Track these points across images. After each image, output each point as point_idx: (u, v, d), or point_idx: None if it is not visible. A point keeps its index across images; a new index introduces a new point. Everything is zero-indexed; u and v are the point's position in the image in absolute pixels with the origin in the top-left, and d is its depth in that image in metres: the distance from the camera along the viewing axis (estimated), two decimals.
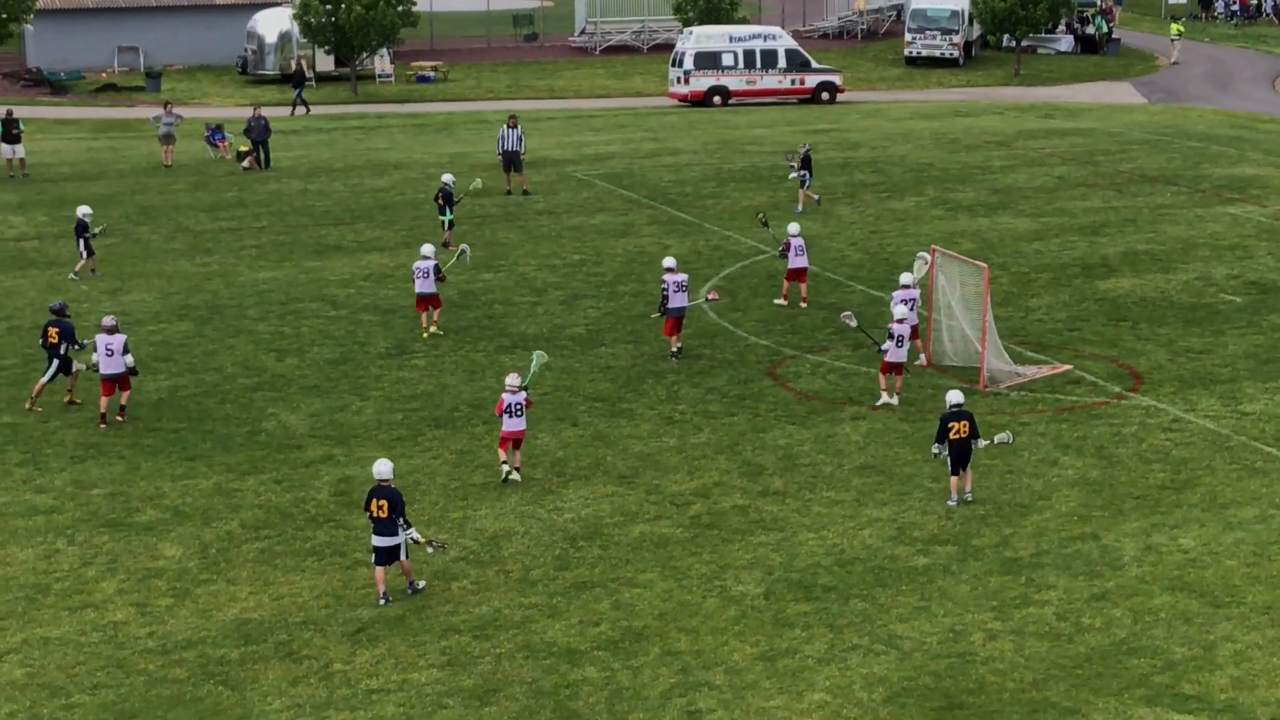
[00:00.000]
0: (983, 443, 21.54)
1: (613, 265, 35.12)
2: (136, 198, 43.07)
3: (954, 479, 21.52)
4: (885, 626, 18.11)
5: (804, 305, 31.28)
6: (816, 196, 40.83)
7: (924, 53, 74.12)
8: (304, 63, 66.93)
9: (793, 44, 67.05)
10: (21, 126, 46.70)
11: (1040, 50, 78.09)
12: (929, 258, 28.41)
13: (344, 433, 24.53)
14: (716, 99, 64.85)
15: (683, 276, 28.12)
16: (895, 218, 40.07)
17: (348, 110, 63.86)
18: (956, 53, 73.97)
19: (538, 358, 23.43)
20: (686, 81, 64.97)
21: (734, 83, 65.17)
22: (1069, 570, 19.53)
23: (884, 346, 25.27)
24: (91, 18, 71.86)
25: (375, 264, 35.22)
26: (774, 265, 32.94)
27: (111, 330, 24.65)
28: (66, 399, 25.63)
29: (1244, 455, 23.42)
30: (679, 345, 28.15)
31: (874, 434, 24.31)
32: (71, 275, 33.81)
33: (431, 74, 71.43)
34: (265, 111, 49.10)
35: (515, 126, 43.26)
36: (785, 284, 31.66)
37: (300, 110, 61.67)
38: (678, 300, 27.86)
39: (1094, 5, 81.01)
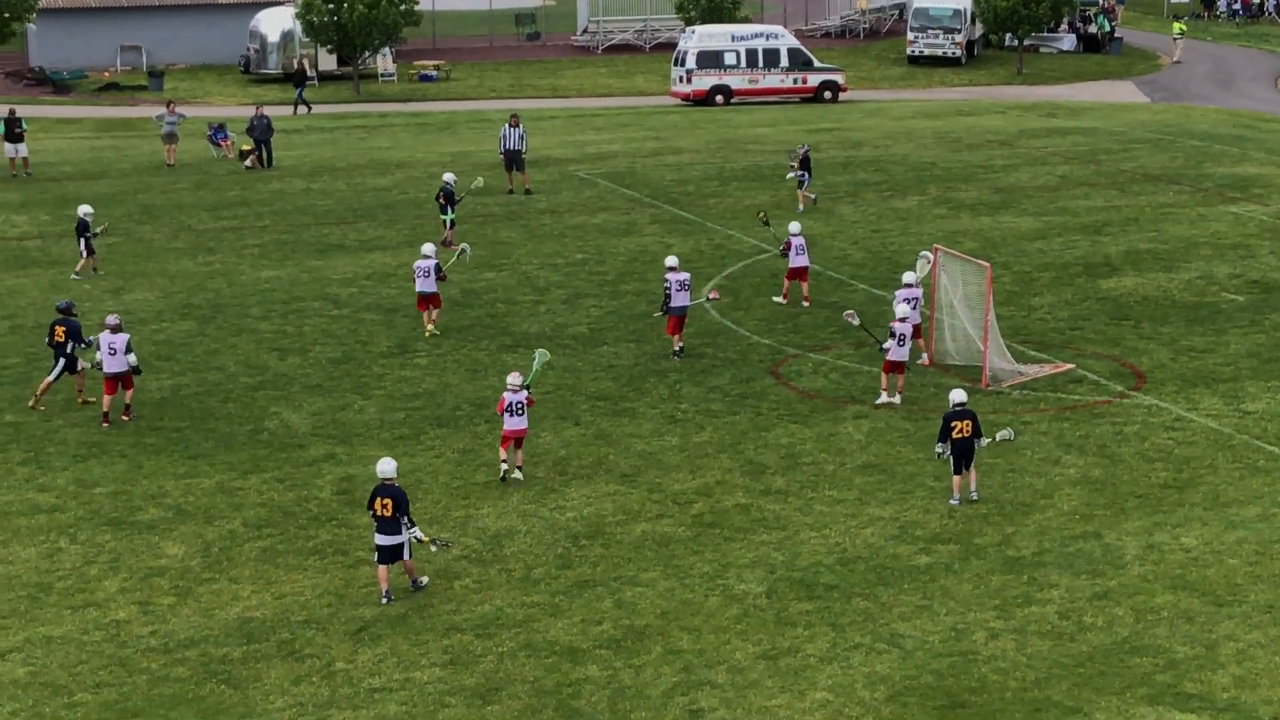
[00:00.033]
0: (985, 441, 21.53)
1: (615, 264, 35.12)
2: (139, 197, 43.09)
3: (956, 478, 21.52)
4: (887, 625, 18.12)
5: (806, 304, 31.28)
6: (813, 196, 40.79)
7: (926, 52, 74.10)
8: (305, 62, 66.99)
9: (795, 43, 67.06)
10: (24, 126, 46.74)
11: (1043, 49, 78.06)
12: (931, 257, 28.41)
13: (346, 432, 24.54)
14: (719, 98, 64.85)
15: (685, 275, 28.12)
16: (897, 217, 40.06)
17: (350, 109, 63.89)
18: (959, 52, 73.94)
19: (540, 356, 23.44)
20: (689, 80, 64.98)
21: (736, 82, 65.17)
22: (1071, 569, 19.53)
23: (885, 345, 25.28)
24: (94, 17, 71.88)
25: (377, 263, 35.23)
26: (776, 264, 32.93)
27: (115, 329, 24.68)
28: (79, 399, 25.64)
29: (1246, 454, 23.41)
30: (681, 344, 28.15)
31: (876, 433, 24.31)
32: (73, 275, 33.83)
33: (434, 73, 71.45)
34: (268, 111, 49.11)
35: (517, 126, 43.25)
36: (786, 283, 31.66)
37: (302, 110, 61.70)
38: (680, 299, 27.86)
39: (1096, 4, 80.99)
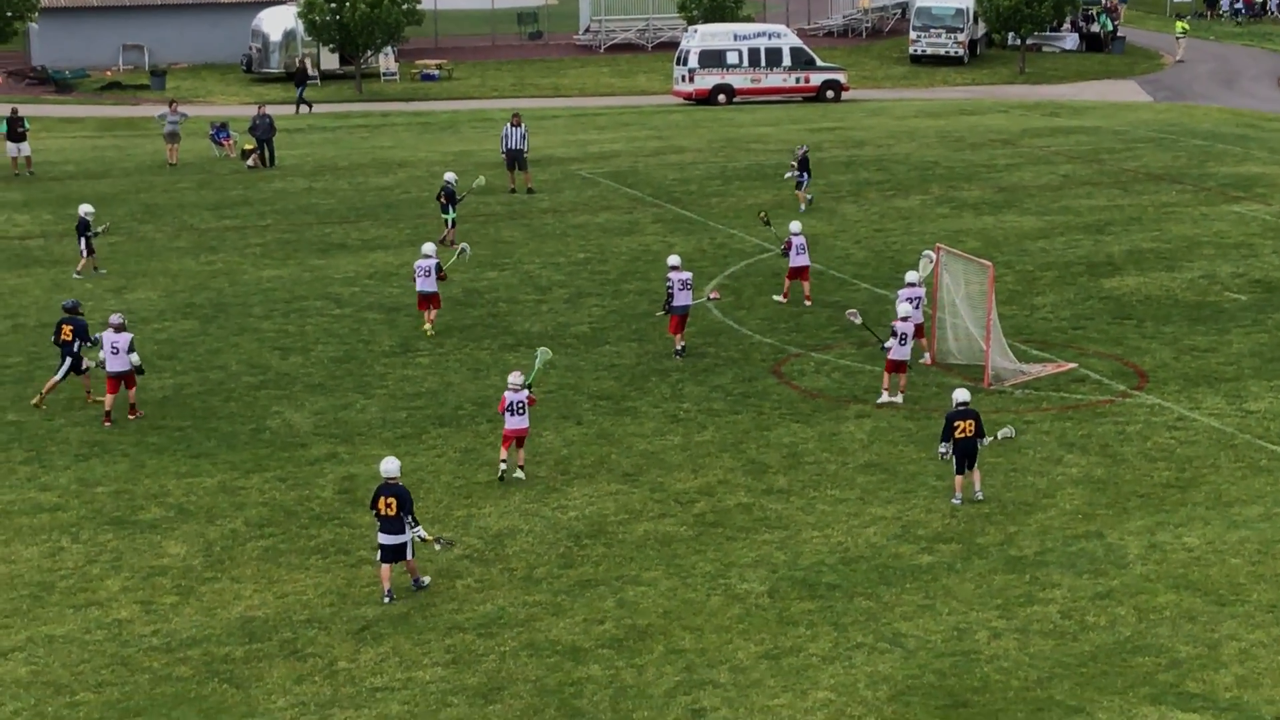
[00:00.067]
0: (986, 440, 21.52)
1: (617, 263, 35.12)
2: (141, 196, 43.11)
3: (959, 478, 21.50)
4: (890, 625, 18.11)
5: (808, 304, 31.27)
6: (809, 196, 40.63)
7: (929, 51, 74.10)
8: (307, 61, 67.00)
9: (797, 42, 67.06)
10: (27, 125, 46.77)
11: (1045, 48, 78.06)
12: (934, 256, 28.40)
13: (348, 431, 24.54)
14: (721, 97, 64.86)
15: (687, 275, 28.11)
16: (900, 216, 40.05)
17: (352, 108, 63.90)
18: (961, 51, 73.94)
19: (541, 355, 23.45)
20: (691, 80, 64.97)
21: (739, 81, 65.17)
22: (1073, 568, 19.52)
23: (887, 344, 25.27)
24: (96, 16, 71.92)
25: (380, 262, 35.23)
26: (778, 263, 32.91)
27: (119, 328, 24.69)
28: (88, 399, 25.63)
29: (1249, 453, 23.40)
30: (683, 343, 28.15)
31: (878, 432, 24.30)
32: (75, 274, 33.85)
33: (436, 72, 71.46)
34: (270, 110, 49.12)
35: (519, 125, 43.25)
36: (787, 282, 31.65)
37: (303, 109, 61.71)
38: (682, 298, 27.85)
39: (1099, 3, 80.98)
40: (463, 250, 31.65)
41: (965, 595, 18.84)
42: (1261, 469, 22.79)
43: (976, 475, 21.56)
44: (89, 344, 25.38)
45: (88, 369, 25.52)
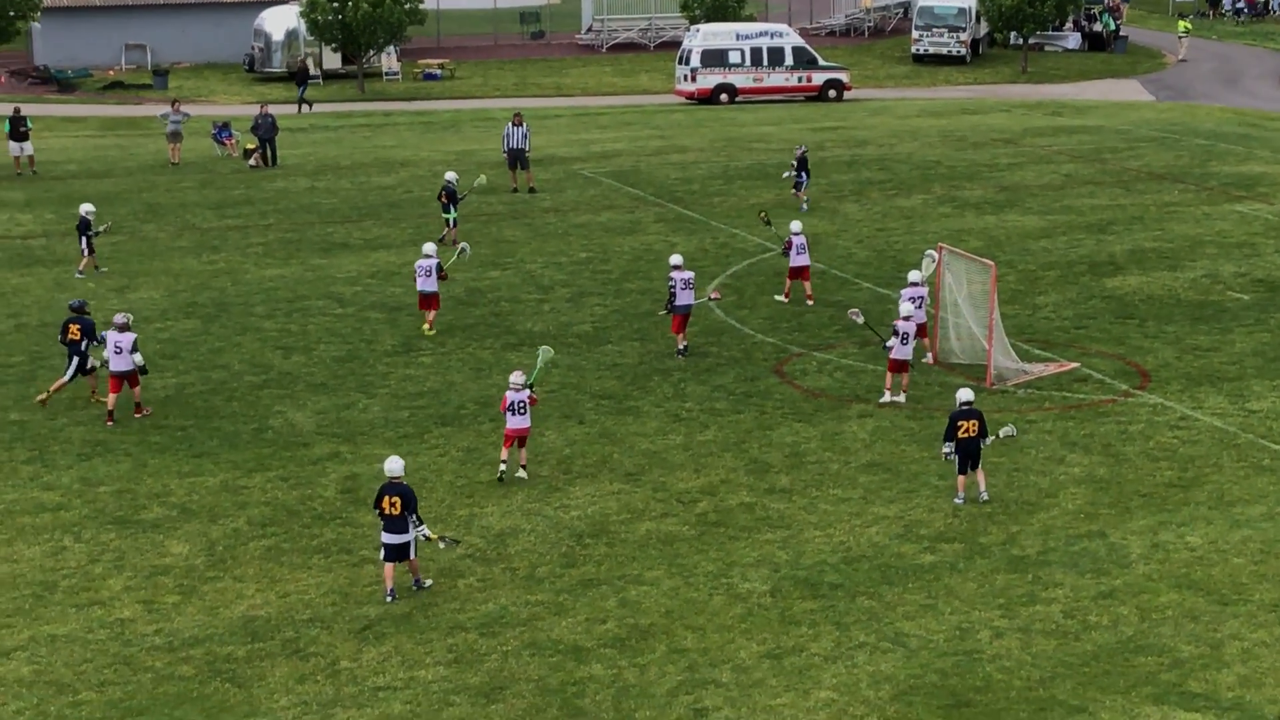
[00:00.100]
0: (988, 439, 21.51)
1: (619, 263, 35.12)
2: (144, 195, 43.13)
3: (961, 477, 21.49)
4: (892, 624, 18.10)
5: (810, 303, 31.26)
6: (805, 199, 40.47)
7: (931, 50, 74.10)
8: (309, 60, 67.01)
9: (800, 41, 67.06)
10: (29, 124, 46.79)
11: (1048, 48, 78.06)
12: (937, 255, 28.39)
13: (351, 430, 24.54)
14: (723, 96, 64.86)
15: (689, 274, 28.11)
16: (902, 215, 40.05)
17: (354, 108, 63.92)
18: (964, 50, 73.95)
19: (543, 353, 23.44)
20: (693, 79, 64.97)
21: (741, 80, 65.17)
22: (1076, 568, 19.51)
23: (889, 343, 25.26)
24: (99, 15, 71.94)
25: (382, 261, 35.24)
26: (780, 263, 32.89)
27: (123, 328, 24.71)
28: (93, 398, 25.63)
29: (1251, 453, 23.39)
30: (685, 343, 28.15)
31: (881, 431, 24.29)
32: (77, 273, 33.86)
33: (438, 71, 71.47)
34: (272, 109, 49.13)
35: (520, 124, 43.25)
36: (788, 282, 31.65)
37: (305, 108, 61.72)
38: (685, 297, 27.85)
39: (1101, 3, 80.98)
40: (463, 250, 31.65)
41: (968, 595, 18.83)
42: (1264, 468, 22.78)
43: (981, 477, 21.54)
44: (95, 343, 25.40)
45: (94, 368, 25.54)
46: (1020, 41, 73.84)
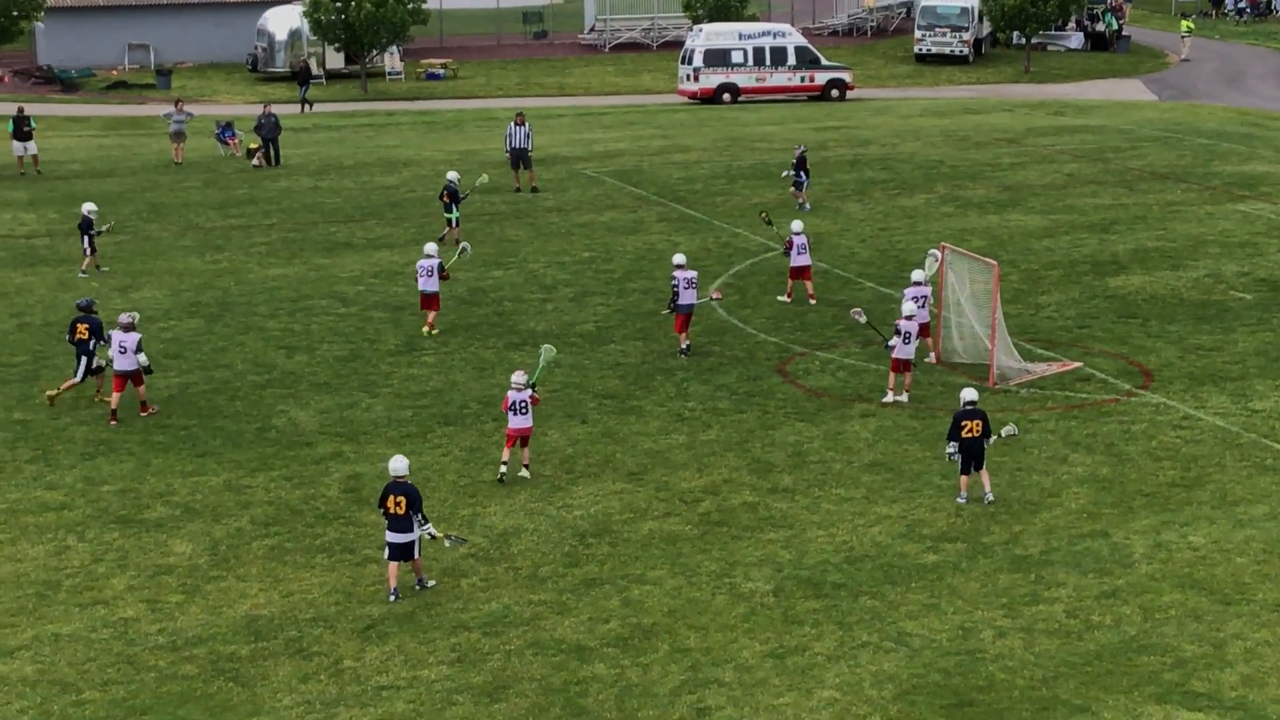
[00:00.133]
0: (991, 439, 21.50)
1: (622, 262, 35.13)
2: (147, 195, 43.16)
3: (964, 477, 21.48)
4: (895, 624, 18.11)
5: (812, 302, 31.26)
6: (801, 201, 40.41)
7: (934, 50, 74.10)
8: (312, 60, 67.02)
9: (802, 41, 67.07)
10: (33, 124, 46.83)
11: (1050, 47, 78.04)
12: (939, 255, 28.38)
13: (354, 430, 24.55)
14: (726, 96, 64.86)
15: (692, 273, 28.11)
16: (905, 215, 40.04)
17: (358, 107, 63.95)
18: (966, 50, 73.93)
19: (545, 352, 23.43)
20: (696, 79, 64.99)
21: (743, 80, 65.18)
22: (1079, 567, 19.51)
23: (891, 343, 25.26)
24: (102, 15, 71.99)
25: (385, 261, 35.26)
26: (783, 263, 32.89)
27: (128, 328, 24.73)
28: (96, 397, 25.65)
29: (1254, 453, 23.38)
30: (688, 342, 28.15)
31: (883, 431, 24.29)
32: (80, 273, 33.90)
33: (441, 71, 71.50)
34: (275, 109, 49.16)
35: (523, 124, 43.27)
36: (789, 282, 31.65)
37: (306, 108, 61.75)
38: (688, 297, 27.86)
39: (1104, 2, 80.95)
40: (463, 249, 31.67)
41: (970, 594, 18.84)
42: (1267, 468, 22.78)
43: (986, 478, 21.52)
44: (102, 342, 25.43)
45: (100, 368, 25.57)
46: (1023, 41, 73.83)
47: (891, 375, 25.62)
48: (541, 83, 70.61)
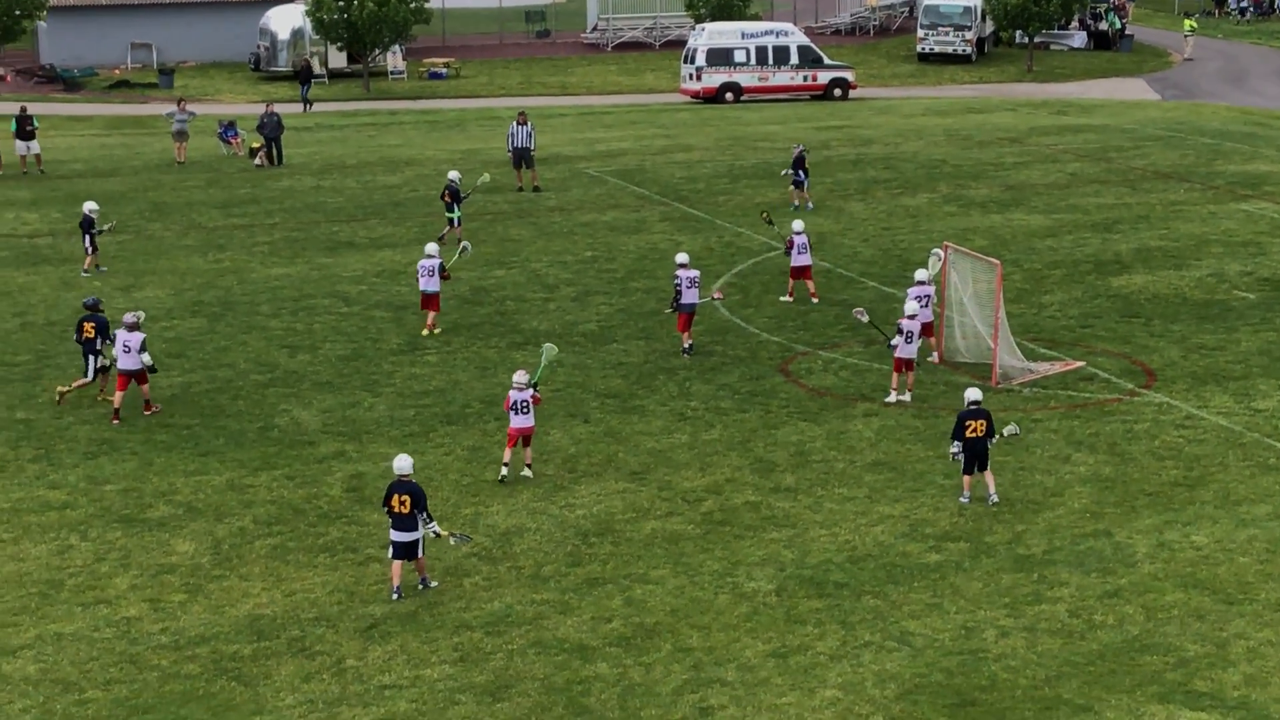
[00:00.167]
0: (994, 439, 21.49)
1: (624, 262, 35.12)
2: (149, 194, 43.17)
3: (967, 477, 21.46)
4: (897, 623, 18.10)
5: (814, 301, 31.25)
6: (795, 202, 40.36)
7: (937, 49, 74.06)
8: (314, 60, 67.02)
9: (805, 40, 67.04)
10: (36, 123, 46.84)
11: (1053, 46, 78.00)
12: (942, 254, 28.37)
13: (356, 429, 24.56)
14: (729, 95, 64.84)
15: (695, 273, 28.11)
16: (908, 214, 40.03)
17: (360, 107, 63.96)
18: (969, 49, 73.88)
19: (547, 351, 23.42)
20: (699, 78, 64.97)
21: (746, 79, 65.16)
22: (1081, 567, 19.50)
23: (894, 342, 25.26)
24: (104, 14, 71.99)
25: (387, 260, 35.26)
26: (785, 262, 32.87)
27: (132, 327, 24.74)
28: (99, 396, 25.65)
29: (1257, 452, 23.36)
30: (691, 341, 28.15)
31: (886, 430, 24.29)
32: (83, 272, 33.91)
33: (444, 70, 71.49)
34: (278, 108, 49.17)
35: (525, 123, 43.26)
36: (790, 281, 31.64)
37: (308, 107, 61.75)
38: (690, 296, 27.86)
39: (1107, 2, 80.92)
40: (464, 248, 31.68)
41: (973, 594, 18.83)
42: (1270, 468, 22.76)
43: (990, 479, 21.50)
44: (109, 341, 25.44)
45: (105, 367, 25.58)
46: (1026, 40, 73.80)
47: (894, 375, 25.61)
48: (544, 82, 70.61)
